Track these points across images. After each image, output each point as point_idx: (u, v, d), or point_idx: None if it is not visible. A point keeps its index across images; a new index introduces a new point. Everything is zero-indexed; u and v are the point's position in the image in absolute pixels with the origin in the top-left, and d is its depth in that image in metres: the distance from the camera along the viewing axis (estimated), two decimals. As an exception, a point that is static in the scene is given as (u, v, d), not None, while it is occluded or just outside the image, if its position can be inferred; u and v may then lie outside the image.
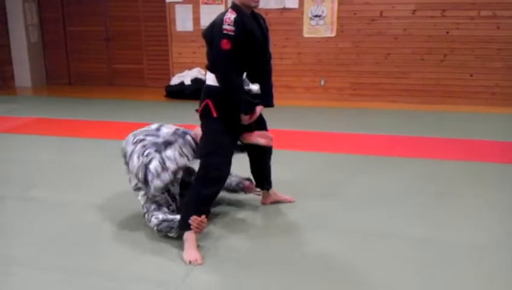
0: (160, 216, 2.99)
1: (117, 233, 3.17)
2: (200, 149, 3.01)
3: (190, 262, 2.75)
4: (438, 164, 4.59)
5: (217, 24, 2.84)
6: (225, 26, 2.78)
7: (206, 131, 3.00)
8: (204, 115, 2.98)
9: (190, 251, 2.82)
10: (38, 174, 4.37)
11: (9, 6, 9.37)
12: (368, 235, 3.12)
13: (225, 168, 2.96)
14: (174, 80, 8.40)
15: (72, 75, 10.15)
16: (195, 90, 7.98)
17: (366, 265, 2.74)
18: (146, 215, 3.08)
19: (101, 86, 9.74)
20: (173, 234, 2.95)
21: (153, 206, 3.07)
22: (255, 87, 3.01)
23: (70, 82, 10.14)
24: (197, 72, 8.23)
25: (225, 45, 2.78)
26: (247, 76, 2.97)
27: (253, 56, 2.97)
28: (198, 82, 8.12)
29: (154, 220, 2.99)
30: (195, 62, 8.33)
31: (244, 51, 2.87)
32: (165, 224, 2.96)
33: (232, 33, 2.78)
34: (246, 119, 3.01)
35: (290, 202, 3.62)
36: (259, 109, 3.12)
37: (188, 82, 8.14)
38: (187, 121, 6.16)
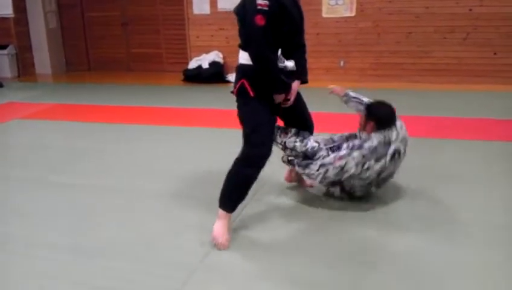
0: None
1: (135, 215, 3.17)
2: (243, 130, 2.92)
3: (216, 244, 2.73)
4: (465, 144, 4.49)
5: None
6: (259, 1, 2.64)
7: (245, 111, 2.91)
8: (241, 95, 2.88)
9: (221, 231, 2.78)
10: (58, 158, 4.40)
11: (27, -7, 9.41)
12: (396, 218, 3.07)
13: (267, 145, 2.88)
14: (192, 64, 8.37)
15: (91, 61, 10.19)
16: (213, 74, 7.95)
17: (398, 248, 2.69)
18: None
19: (120, 71, 9.76)
20: None
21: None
22: (290, 64, 2.88)
23: (90, 68, 10.18)
24: (214, 56, 8.17)
25: (259, 20, 2.65)
26: (281, 52, 2.87)
27: (288, 32, 2.85)
28: (216, 65, 8.07)
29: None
30: (212, 45, 8.26)
31: (278, 27, 2.74)
32: None
33: (266, 8, 2.65)
34: (279, 98, 2.92)
35: (310, 186, 3.57)
36: (296, 84, 3.01)
37: (205, 66, 8.10)
38: (204, 104, 6.15)
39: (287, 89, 2.94)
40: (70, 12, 9.93)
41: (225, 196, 2.85)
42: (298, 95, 3.13)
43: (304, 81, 3.09)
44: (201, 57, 8.33)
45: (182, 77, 8.39)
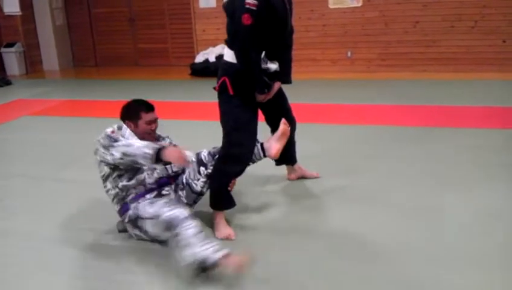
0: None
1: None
2: (222, 127, 2.95)
3: (224, 238, 2.76)
4: (474, 133, 4.46)
5: None
6: (248, 0, 2.65)
7: (225, 109, 2.93)
8: (221, 92, 2.92)
9: (221, 227, 2.83)
10: (67, 155, 4.43)
11: (33, -10, 9.45)
12: (399, 210, 3.06)
13: (248, 144, 2.90)
14: (199, 58, 8.36)
15: (98, 57, 10.21)
16: (220, 67, 7.94)
17: (395, 240, 2.69)
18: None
19: (127, 67, 9.77)
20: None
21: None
22: (273, 66, 2.90)
23: (97, 64, 10.21)
24: (221, 49, 8.14)
25: (246, 20, 2.67)
26: (266, 53, 2.88)
27: (273, 32, 2.86)
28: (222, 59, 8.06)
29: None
30: (219, 39, 8.23)
31: (264, 27, 2.75)
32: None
33: (255, 8, 2.66)
34: (261, 98, 2.95)
35: (315, 177, 3.57)
36: (277, 85, 3.03)
37: (212, 59, 8.09)
38: (212, 98, 6.14)
39: (269, 89, 2.96)
40: (76, 9, 9.96)
41: (218, 196, 2.87)
42: (280, 90, 3.13)
43: (286, 81, 3.09)
44: (208, 51, 8.33)
45: (189, 71, 8.40)
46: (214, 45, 8.30)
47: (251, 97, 2.91)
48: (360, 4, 7.66)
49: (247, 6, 2.66)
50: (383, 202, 3.16)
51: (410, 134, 4.53)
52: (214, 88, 2.97)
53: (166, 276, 2.43)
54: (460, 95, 5.96)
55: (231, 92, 2.85)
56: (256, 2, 2.66)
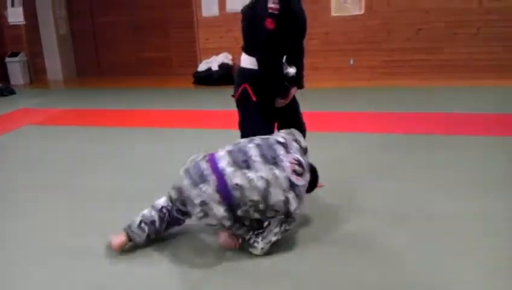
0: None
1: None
2: (241, 133, 2.98)
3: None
4: (479, 140, 4.44)
5: (261, 1, 2.72)
6: (270, 5, 2.65)
7: (246, 116, 2.95)
8: (243, 100, 2.91)
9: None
10: (70, 163, 4.42)
11: (37, 0, 9.49)
12: (408, 217, 3.04)
13: None
14: (202, 66, 8.38)
15: (102, 66, 10.25)
16: (223, 76, 7.96)
17: (410, 249, 2.67)
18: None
19: (130, 76, 9.79)
20: None
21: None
22: (292, 70, 2.92)
23: (101, 73, 10.24)
24: (223, 57, 8.18)
25: (269, 24, 2.67)
26: (286, 58, 2.89)
27: (293, 37, 2.87)
28: (225, 67, 8.08)
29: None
30: (222, 47, 8.27)
31: (285, 31, 2.75)
32: None
33: (277, 12, 2.67)
34: (280, 102, 2.95)
35: (320, 187, 3.53)
36: (293, 90, 3.04)
37: (215, 68, 8.11)
38: (215, 106, 6.15)
39: (288, 94, 2.96)
40: (80, 18, 10.01)
41: None
42: (293, 98, 3.14)
43: (299, 86, 3.11)
44: (210, 59, 8.35)
45: (192, 79, 8.41)
46: (217, 54, 8.32)
47: (271, 103, 2.91)
48: (362, 12, 7.67)
49: (270, 10, 2.67)
50: (393, 212, 3.11)
51: (414, 142, 4.51)
52: (233, 96, 2.97)
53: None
54: (463, 103, 5.93)
55: (254, 99, 2.85)
56: (278, 6, 2.66)
